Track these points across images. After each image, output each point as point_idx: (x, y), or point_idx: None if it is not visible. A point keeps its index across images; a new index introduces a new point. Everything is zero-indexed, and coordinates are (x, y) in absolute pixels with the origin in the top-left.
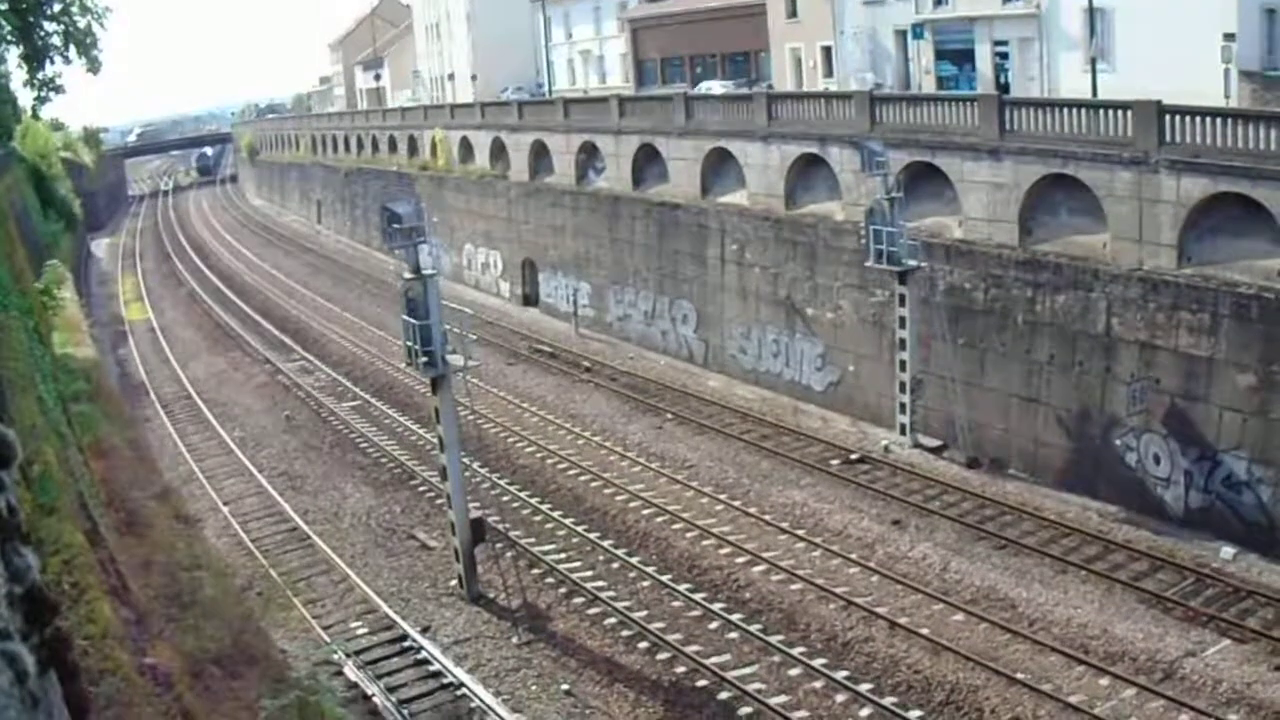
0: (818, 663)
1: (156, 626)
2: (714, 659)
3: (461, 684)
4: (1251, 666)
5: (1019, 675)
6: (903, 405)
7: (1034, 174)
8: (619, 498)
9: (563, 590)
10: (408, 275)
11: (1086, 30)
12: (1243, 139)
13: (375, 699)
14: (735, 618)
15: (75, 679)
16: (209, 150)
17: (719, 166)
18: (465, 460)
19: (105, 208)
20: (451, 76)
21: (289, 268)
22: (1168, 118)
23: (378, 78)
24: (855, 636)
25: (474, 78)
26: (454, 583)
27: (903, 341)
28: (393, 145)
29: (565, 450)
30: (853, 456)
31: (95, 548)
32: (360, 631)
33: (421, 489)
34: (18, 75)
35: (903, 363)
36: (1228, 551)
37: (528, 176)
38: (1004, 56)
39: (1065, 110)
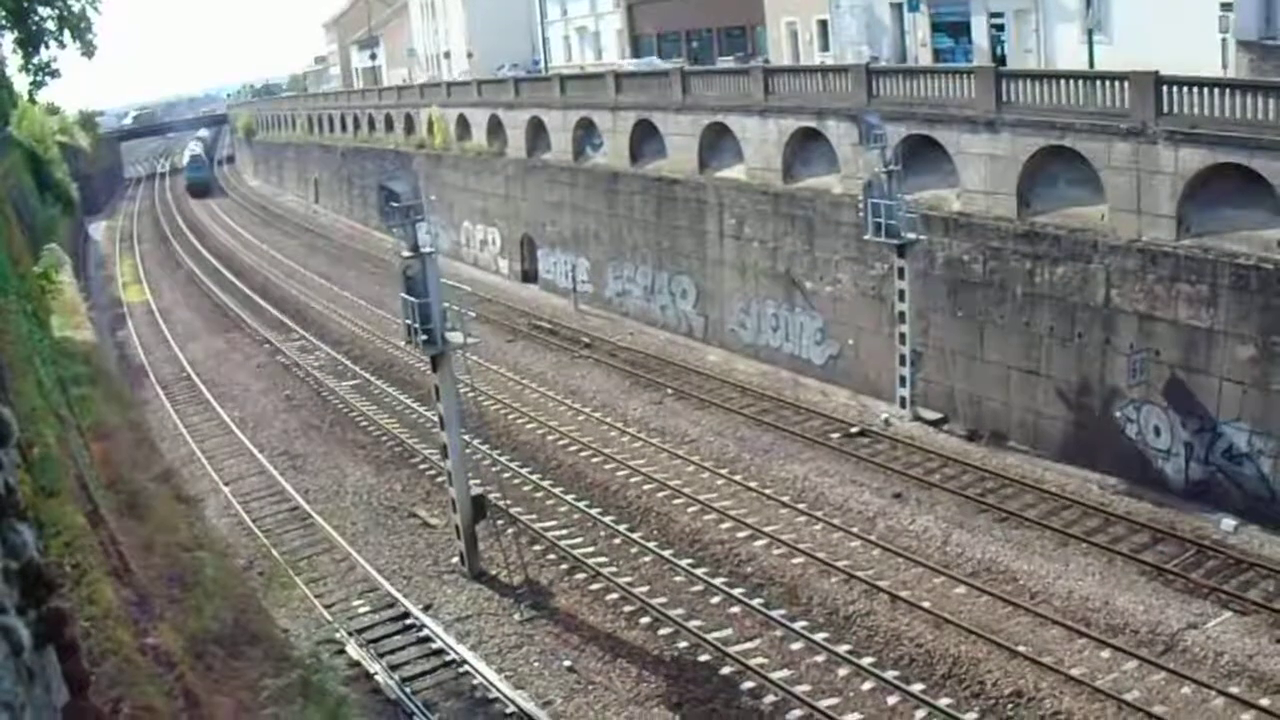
0: (820, 637)
1: (158, 607)
2: (716, 634)
3: (464, 661)
4: (1253, 639)
5: (1020, 648)
6: (902, 378)
7: (1031, 146)
8: (620, 473)
9: (564, 566)
10: (406, 253)
11: (1083, 1)
12: (1241, 109)
13: (378, 677)
14: (737, 592)
15: (74, 656)
16: (201, 149)
17: (716, 141)
18: (466, 437)
19: (102, 191)
20: (447, 54)
21: (287, 248)
22: (1165, 88)
23: (373, 57)
24: (857, 610)
25: (469, 55)
26: (455, 560)
27: (902, 315)
28: (389, 124)
29: (566, 426)
30: (853, 430)
31: (96, 529)
32: (362, 610)
33: (422, 467)
34: (13, 60)
35: (902, 336)
36: (1228, 523)
37: (525, 153)
38: (1000, 29)
39: (1062, 82)
